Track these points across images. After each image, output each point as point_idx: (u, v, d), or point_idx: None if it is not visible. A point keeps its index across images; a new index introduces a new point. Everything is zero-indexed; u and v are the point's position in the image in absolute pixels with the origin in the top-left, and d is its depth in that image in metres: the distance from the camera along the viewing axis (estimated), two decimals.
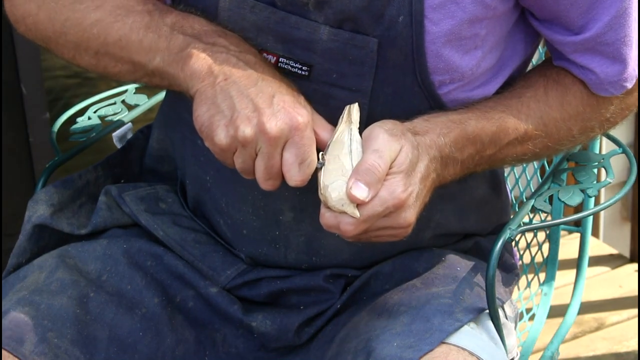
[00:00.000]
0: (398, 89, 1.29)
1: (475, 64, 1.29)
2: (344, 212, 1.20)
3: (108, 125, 1.70)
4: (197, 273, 1.42)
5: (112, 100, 1.75)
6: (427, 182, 1.25)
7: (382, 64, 1.27)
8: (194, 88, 1.24)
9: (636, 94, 1.39)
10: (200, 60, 1.24)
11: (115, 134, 1.64)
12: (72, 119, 1.71)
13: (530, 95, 1.34)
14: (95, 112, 1.72)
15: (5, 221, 2.41)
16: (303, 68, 1.29)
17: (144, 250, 1.42)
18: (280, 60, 1.29)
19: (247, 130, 1.20)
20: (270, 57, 1.29)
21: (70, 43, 1.34)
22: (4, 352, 1.27)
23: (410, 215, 1.22)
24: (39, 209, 1.44)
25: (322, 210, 1.22)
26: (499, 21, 1.29)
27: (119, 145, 1.61)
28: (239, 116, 1.20)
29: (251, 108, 1.20)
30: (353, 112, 1.25)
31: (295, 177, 1.22)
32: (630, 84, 1.35)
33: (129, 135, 1.64)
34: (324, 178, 1.22)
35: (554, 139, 1.36)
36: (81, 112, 1.72)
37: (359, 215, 1.20)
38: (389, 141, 1.20)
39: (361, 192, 1.19)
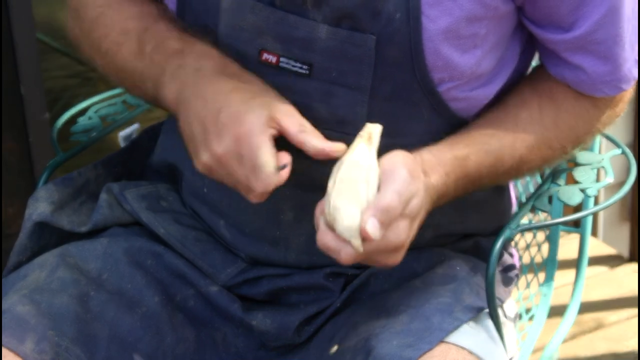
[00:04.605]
0: (397, 86, 1.29)
1: (475, 63, 1.29)
2: (348, 242, 1.19)
3: (108, 125, 1.70)
4: (198, 272, 1.43)
5: (112, 101, 1.75)
6: (420, 221, 1.25)
7: (380, 61, 1.27)
8: (176, 116, 1.30)
9: (626, 98, 1.40)
10: (169, 88, 1.29)
11: (122, 134, 1.64)
12: (73, 119, 1.71)
13: (526, 116, 1.34)
14: (96, 112, 1.72)
15: (5, 221, 2.41)
16: (303, 67, 1.29)
17: (145, 249, 1.43)
18: (280, 59, 1.30)
19: (203, 156, 1.24)
20: (271, 57, 1.30)
21: (98, 67, 1.41)
22: (4, 351, 1.27)
23: (402, 256, 1.23)
24: (39, 206, 1.44)
25: (323, 228, 1.21)
26: (500, 21, 1.29)
27: (123, 145, 1.62)
28: (198, 143, 1.25)
29: (203, 132, 1.24)
30: (374, 134, 1.22)
31: (255, 185, 1.22)
32: (627, 86, 1.35)
33: (134, 135, 1.64)
34: (335, 197, 1.19)
35: (547, 158, 1.37)
36: (82, 112, 1.73)
37: (362, 251, 1.19)
38: (410, 184, 1.20)
39: (375, 230, 1.18)
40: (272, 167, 1.21)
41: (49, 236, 1.45)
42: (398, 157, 1.22)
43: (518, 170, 1.35)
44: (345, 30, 1.27)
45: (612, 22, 1.29)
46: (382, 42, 1.26)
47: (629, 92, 1.40)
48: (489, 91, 1.34)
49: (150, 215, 1.45)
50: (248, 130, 1.21)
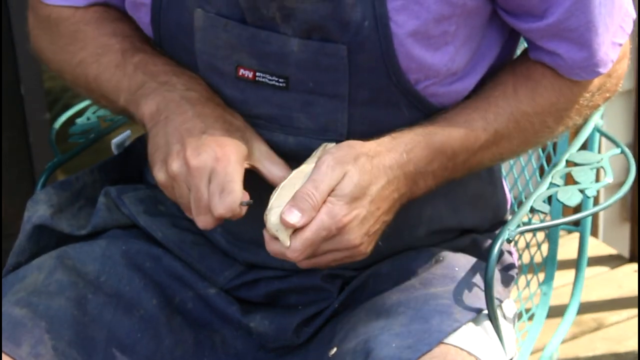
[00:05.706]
0: (375, 90, 1.30)
1: (449, 59, 1.29)
2: (277, 238, 1.22)
3: (107, 127, 1.70)
4: (196, 274, 1.43)
5: None
6: (384, 203, 1.25)
7: (355, 68, 1.28)
8: (146, 128, 1.30)
9: (616, 74, 1.39)
10: (149, 101, 1.30)
11: (114, 141, 1.63)
12: (72, 120, 1.71)
13: (498, 94, 1.34)
14: (94, 112, 1.72)
15: (5, 221, 2.41)
16: (280, 80, 1.30)
17: (143, 252, 1.43)
18: (257, 75, 1.30)
19: (174, 164, 1.25)
20: (247, 72, 1.31)
21: (68, 80, 1.44)
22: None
23: (353, 238, 1.23)
24: (39, 209, 1.44)
25: (266, 236, 1.24)
26: (470, 16, 1.29)
27: (116, 152, 1.61)
28: (170, 152, 1.25)
29: (180, 143, 1.25)
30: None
31: (217, 206, 1.24)
32: (604, 69, 1.35)
33: (127, 143, 1.64)
34: (273, 201, 1.23)
35: (528, 133, 1.36)
36: (80, 113, 1.72)
37: (287, 245, 1.21)
38: (331, 169, 1.22)
39: (293, 217, 1.20)
40: (239, 196, 1.24)
41: (48, 238, 1.45)
42: (332, 148, 1.25)
43: (498, 145, 1.34)
44: (316, 41, 1.27)
45: (583, 9, 1.29)
46: (353, 50, 1.27)
47: (622, 68, 1.40)
48: (469, 83, 1.34)
49: (148, 219, 1.45)
50: (229, 155, 1.25)
